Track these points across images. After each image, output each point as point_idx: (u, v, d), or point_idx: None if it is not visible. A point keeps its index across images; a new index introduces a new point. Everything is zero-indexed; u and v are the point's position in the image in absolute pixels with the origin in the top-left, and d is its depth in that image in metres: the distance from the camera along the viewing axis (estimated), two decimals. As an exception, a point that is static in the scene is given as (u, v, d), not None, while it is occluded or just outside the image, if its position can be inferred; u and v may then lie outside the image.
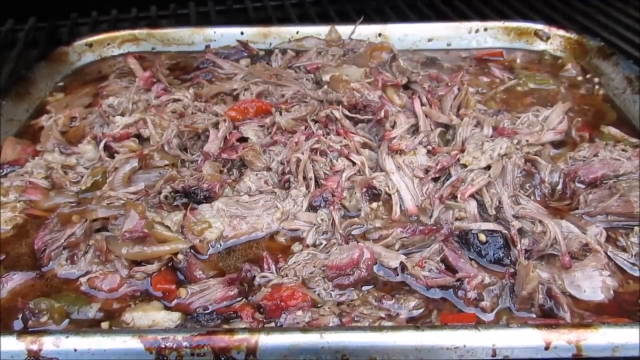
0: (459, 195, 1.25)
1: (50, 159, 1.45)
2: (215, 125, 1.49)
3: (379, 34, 2.03)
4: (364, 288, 1.14)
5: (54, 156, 1.46)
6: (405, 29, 2.05)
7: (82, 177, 1.42)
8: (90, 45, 2.00)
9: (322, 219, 1.25)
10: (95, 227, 1.23)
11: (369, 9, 2.51)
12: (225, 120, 1.49)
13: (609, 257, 1.16)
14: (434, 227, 1.21)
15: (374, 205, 1.30)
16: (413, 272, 1.14)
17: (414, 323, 1.06)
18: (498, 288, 1.10)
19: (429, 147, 1.39)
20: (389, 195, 1.31)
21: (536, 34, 2.00)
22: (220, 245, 1.24)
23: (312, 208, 1.28)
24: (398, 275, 1.16)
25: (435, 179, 1.33)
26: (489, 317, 1.08)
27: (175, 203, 1.32)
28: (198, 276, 1.17)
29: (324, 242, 1.23)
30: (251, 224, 1.26)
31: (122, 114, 1.57)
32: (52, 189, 1.40)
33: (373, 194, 1.32)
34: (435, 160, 1.35)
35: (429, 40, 2.03)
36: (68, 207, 1.27)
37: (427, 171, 1.34)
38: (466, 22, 2.06)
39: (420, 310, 1.09)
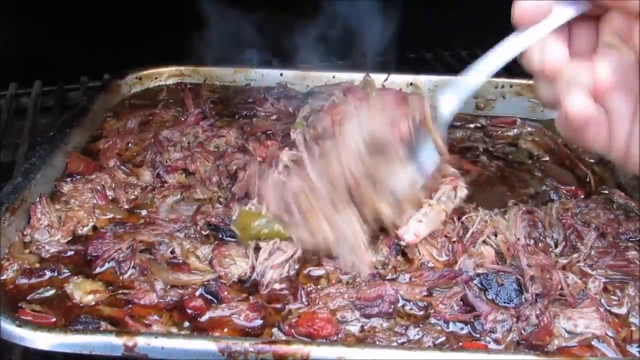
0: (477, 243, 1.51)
1: (116, 174, 1.71)
2: (244, 167, 1.71)
3: (411, 83, 2.27)
4: (389, 319, 1.37)
5: (119, 173, 1.72)
6: (436, 80, 2.28)
7: (136, 197, 1.67)
8: (140, 78, 2.25)
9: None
10: (140, 248, 1.49)
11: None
12: (251, 163, 1.70)
13: (602, 304, 1.41)
14: (458, 273, 1.45)
15: (400, 258, 1.51)
16: (436, 309, 1.38)
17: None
18: (508, 324, 1.34)
19: None
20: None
21: (558, 92, 2.18)
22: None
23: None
24: (422, 310, 1.39)
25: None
26: (499, 347, 1.32)
27: (206, 233, 1.56)
28: (226, 298, 1.39)
29: (350, 281, 1.44)
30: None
31: (174, 145, 1.79)
32: (112, 201, 1.66)
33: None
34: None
35: (458, 91, 2.22)
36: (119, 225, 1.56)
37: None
38: (494, 78, 2.26)
39: (442, 339, 1.32)
